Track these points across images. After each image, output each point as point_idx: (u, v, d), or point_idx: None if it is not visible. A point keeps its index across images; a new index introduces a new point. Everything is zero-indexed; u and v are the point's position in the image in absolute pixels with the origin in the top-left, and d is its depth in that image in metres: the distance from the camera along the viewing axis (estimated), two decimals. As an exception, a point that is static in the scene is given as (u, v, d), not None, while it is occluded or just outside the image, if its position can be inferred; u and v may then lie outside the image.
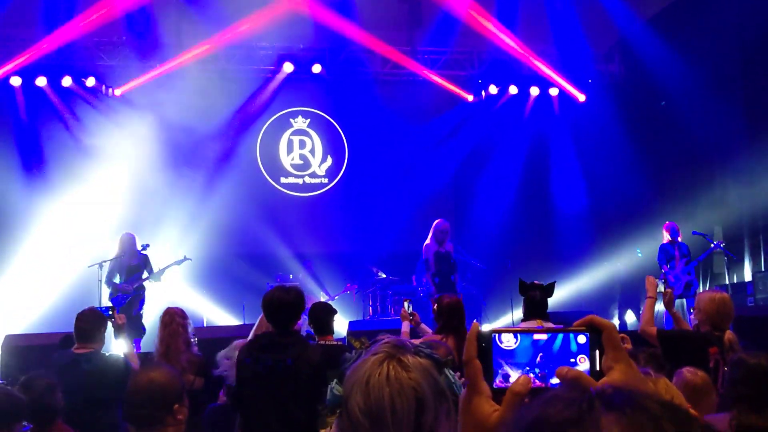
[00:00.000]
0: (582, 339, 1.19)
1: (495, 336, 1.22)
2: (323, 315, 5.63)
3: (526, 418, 0.81)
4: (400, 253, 12.78)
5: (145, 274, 9.79)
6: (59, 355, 5.22)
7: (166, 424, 2.94)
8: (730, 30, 11.62)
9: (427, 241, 10.26)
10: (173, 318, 5.72)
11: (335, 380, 1.56)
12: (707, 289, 10.80)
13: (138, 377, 3.10)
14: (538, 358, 1.20)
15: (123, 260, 9.75)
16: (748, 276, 11.63)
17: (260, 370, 4.41)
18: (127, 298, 9.57)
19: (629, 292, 12.99)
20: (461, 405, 1.21)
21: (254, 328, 5.43)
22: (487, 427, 1.15)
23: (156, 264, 10.02)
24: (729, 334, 4.75)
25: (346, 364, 1.56)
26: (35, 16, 12.08)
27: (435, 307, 5.70)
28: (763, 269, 11.30)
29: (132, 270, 9.75)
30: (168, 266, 10.02)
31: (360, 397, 1.45)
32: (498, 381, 1.20)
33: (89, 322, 5.20)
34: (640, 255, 12.53)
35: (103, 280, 9.70)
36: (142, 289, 9.79)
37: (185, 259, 10.24)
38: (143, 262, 9.85)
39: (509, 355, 1.21)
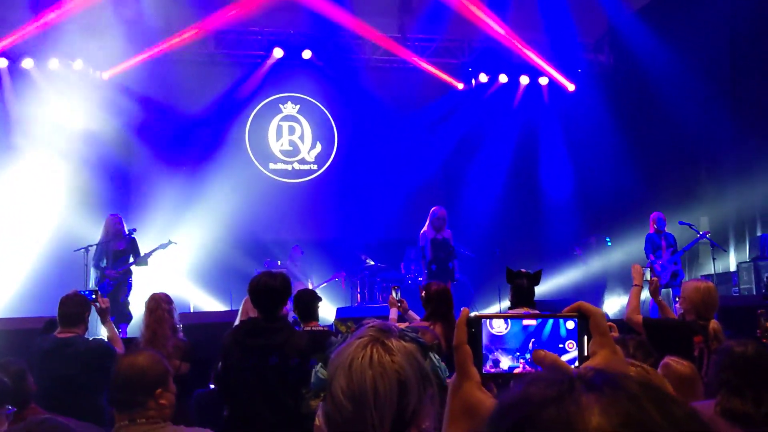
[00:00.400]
0: (570, 325, 1.20)
1: (486, 322, 1.22)
2: (308, 301, 5.63)
3: (508, 398, 0.82)
4: (388, 240, 12.81)
5: (131, 259, 9.72)
6: (42, 339, 5.18)
7: (147, 408, 2.94)
8: (720, 21, 11.65)
9: (424, 229, 10.15)
10: (159, 304, 5.70)
11: (320, 364, 1.57)
12: (693, 278, 10.87)
13: (121, 361, 3.10)
14: (530, 344, 1.21)
15: (109, 244, 9.67)
16: (733, 266, 11.71)
17: (247, 356, 4.42)
18: (114, 285, 9.52)
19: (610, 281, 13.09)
20: (450, 389, 1.21)
21: (239, 314, 5.42)
22: (478, 413, 1.16)
23: (142, 248, 9.96)
24: (714, 323, 4.79)
25: (331, 348, 1.57)
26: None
27: (423, 294, 5.71)
28: (748, 259, 11.38)
29: (118, 254, 9.66)
30: (153, 250, 9.91)
31: (343, 380, 1.47)
32: (488, 366, 1.21)
33: (72, 307, 5.17)
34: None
35: (90, 264, 9.65)
36: (129, 274, 9.71)
37: (170, 242, 10.11)
38: (130, 246, 9.75)
39: (500, 341, 1.21)
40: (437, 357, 1.57)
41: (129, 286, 9.69)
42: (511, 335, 1.21)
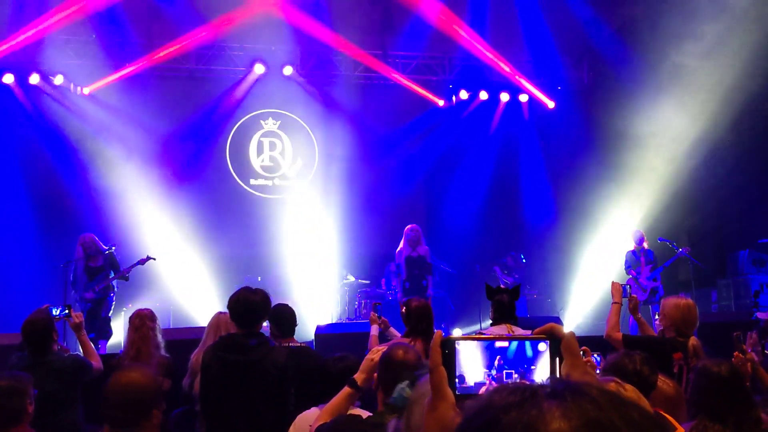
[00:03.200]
0: (542, 346, 1.22)
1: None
2: (288, 317, 5.57)
3: (473, 406, 0.85)
4: (369, 256, 12.79)
5: (111, 275, 9.62)
6: (18, 357, 5.11)
7: (141, 427, 2.90)
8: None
9: (400, 246, 10.32)
10: (144, 321, 5.67)
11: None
12: (672, 295, 10.92)
13: (117, 377, 3.03)
14: (497, 361, 1.22)
15: (86, 263, 9.58)
16: (712, 283, 11.79)
17: (227, 372, 4.40)
18: (93, 302, 9.40)
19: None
20: (426, 409, 1.22)
21: (207, 332, 5.36)
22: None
23: (122, 264, 9.86)
24: (693, 340, 4.81)
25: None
26: (4, 12, 11.93)
27: (403, 310, 5.70)
28: (726, 276, 11.47)
29: (96, 271, 9.57)
30: (133, 265, 9.78)
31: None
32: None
33: (36, 332, 5.06)
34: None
35: (69, 281, 9.57)
36: (110, 290, 9.61)
37: (149, 258, 10.00)
38: (107, 263, 9.66)
39: (466, 358, 1.23)
40: None
41: (110, 302, 9.61)
42: (476, 352, 1.22)
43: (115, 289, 9.77)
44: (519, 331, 4.89)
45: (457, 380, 1.22)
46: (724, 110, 11.51)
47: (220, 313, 5.43)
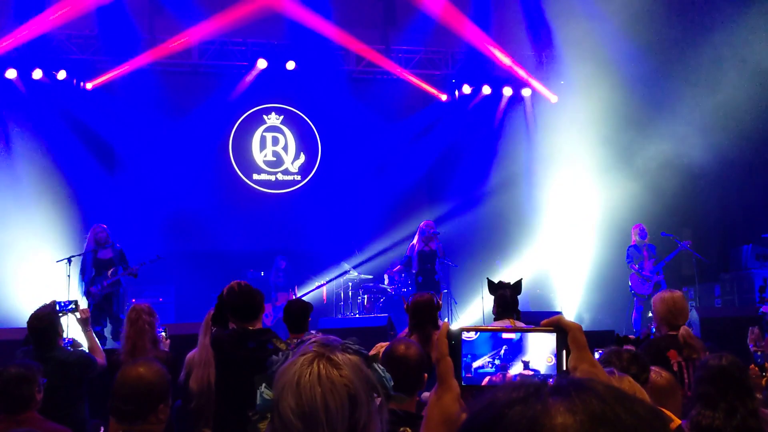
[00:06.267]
0: (549, 338, 1.22)
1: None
2: (299, 313, 5.59)
3: (479, 403, 0.85)
4: (372, 251, 12.79)
5: (120, 270, 9.60)
6: (23, 351, 5.15)
7: (148, 421, 2.92)
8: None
9: (413, 241, 10.42)
10: (139, 315, 5.65)
11: (264, 384, 1.53)
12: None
13: (126, 371, 3.05)
14: (503, 351, 1.23)
15: (95, 255, 9.58)
16: (716, 277, 11.78)
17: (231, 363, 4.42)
18: (101, 296, 9.40)
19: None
20: (431, 400, 1.23)
21: (204, 328, 5.34)
22: (455, 425, 1.18)
23: (129, 261, 9.89)
24: (682, 330, 4.81)
25: (273, 367, 1.53)
26: (6, 7, 11.94)
27: (406, 306, 5.72)
28: (730, 271, 11.46)
29: (105, 264, 9.56)
30: (141, 264, 9.82)
31: (292, 399, 1.43)
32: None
33: (42, 325, 5.10)
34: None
35: (72, 275, 9.57)
36: (118, 285, 9.60)
37: (157, 257, 10.03)
38: (117, 257, 9.67)
39: (470, 347, 1.24)
40: (381, 367, 1.54)
41: (120, 299, 9.61)
42: (480, 341, 1.23)
43: (123, 285, 9.78)
44: (521, 326, 4.88)
45: (463, 371, 1.22)
46: (728, 103, 11.50)
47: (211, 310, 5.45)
